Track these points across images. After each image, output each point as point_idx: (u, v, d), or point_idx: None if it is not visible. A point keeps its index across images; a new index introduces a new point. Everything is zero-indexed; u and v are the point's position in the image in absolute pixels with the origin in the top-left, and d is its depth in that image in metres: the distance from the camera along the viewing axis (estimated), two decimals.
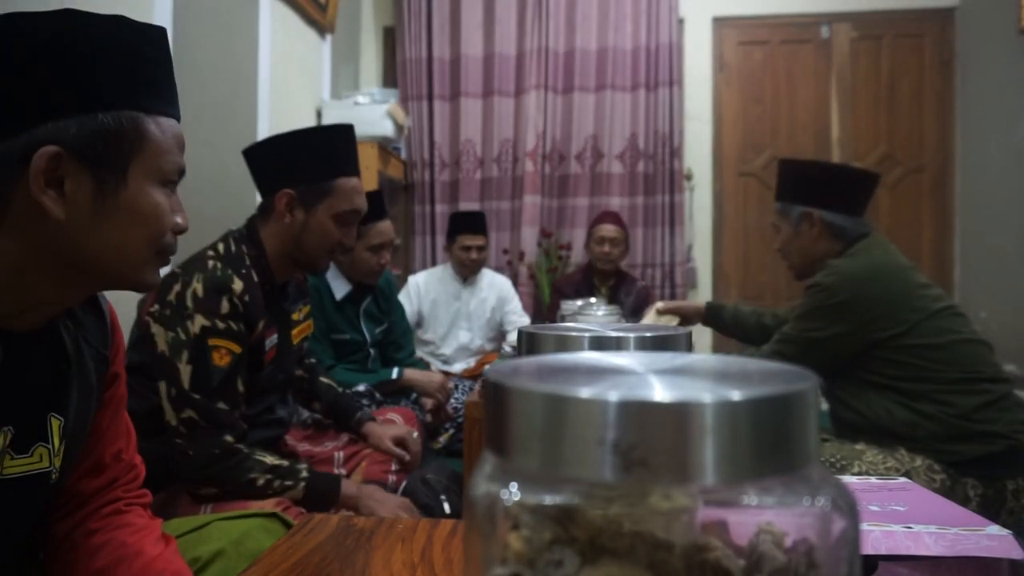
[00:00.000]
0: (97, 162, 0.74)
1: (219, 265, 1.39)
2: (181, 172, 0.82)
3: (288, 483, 1.37)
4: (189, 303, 1.34)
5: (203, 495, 1.35)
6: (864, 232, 1.79)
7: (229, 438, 1.33)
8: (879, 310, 1.66)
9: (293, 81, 3.23)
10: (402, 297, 2.99)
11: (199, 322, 1.33)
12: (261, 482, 1.35)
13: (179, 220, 0.83)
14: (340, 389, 1.91)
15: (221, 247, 1.44)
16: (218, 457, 1.32)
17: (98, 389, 0.87)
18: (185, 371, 1.32)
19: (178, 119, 0.83)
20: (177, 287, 1.36)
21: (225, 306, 1.35)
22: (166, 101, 0.81)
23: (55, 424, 0.80)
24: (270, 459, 1.38)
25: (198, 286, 1.35)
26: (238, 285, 1.37)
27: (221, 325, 1.34)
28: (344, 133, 1.53)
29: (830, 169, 1.96)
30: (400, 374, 2.43)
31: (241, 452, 1.35)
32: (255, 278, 1.43)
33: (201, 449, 1.31)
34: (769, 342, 1.87)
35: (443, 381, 2.49)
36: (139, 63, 0.77)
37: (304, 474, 1.39)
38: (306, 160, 1.48)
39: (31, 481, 0.78)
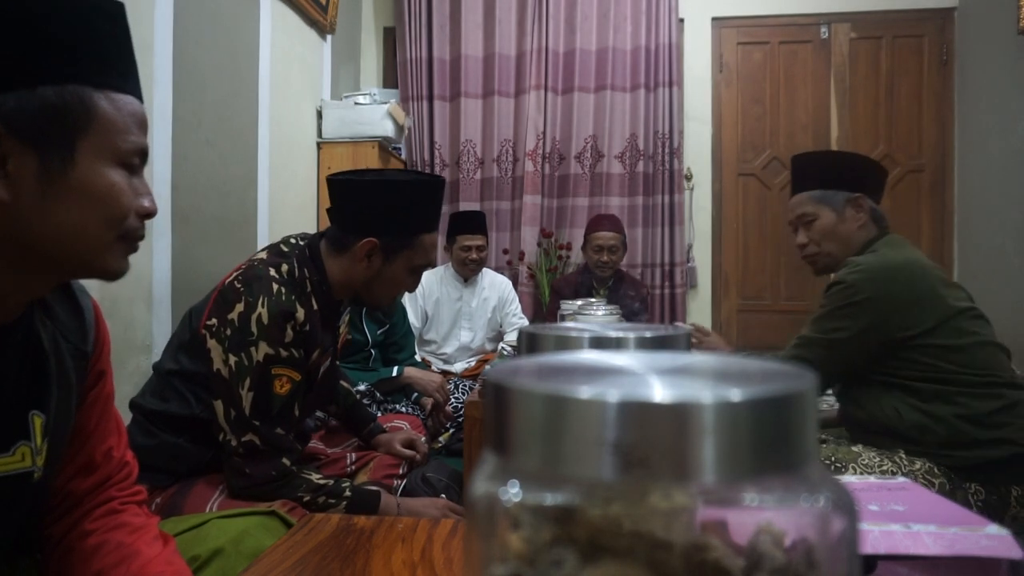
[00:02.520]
0: (41, 139, 0.69)
1: (283, 290, 1.37)
2: (142, 152, 0.77)
3: (332, 501, 1.39)
4: (254, 328, 1.33)
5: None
6: (887, 224, 1.79)
7: (286, 461, 1.36)
8: (903, 308, 1.61)
9: (293, 81, 3.23)
10: (406, 298, 2.99)
11: (263, 350, 1.33)
12: (307, 499, 1.37)
13: (145, 203, 0.78)
14: (356, 395, 1.93)
15: (285, 268, 1.41)
16: (275, 478, 1.35)
17: (78, 386, 0.84)
18: (247, 398, 1.33)
19: (138, 97, 0.78)
20: (240, 307, 1.34)
21: (289, 334, 1.35)
22: (120, 76, 0.75)
23: (37, 422, 0.78)
24: (316, 477, 1.40)
25: (263, 311, 1.33)
26: (300, 314, 1.37)
27: (284, 353, 1.35)
28: (437, 188, 1.51)
29: (867, 160, 1.90)
30: (400, 372, 2.43)
31: (294, 472, 1.37)
32: (315, 306, 1.42)
33: (259, 469, 1.34)
34: (787, 347, 1.77)
35: (442, 382, 2.50)
36: (87, 36, 0.72)
37: (347, 493, 1.41)
38: (397, 213, 1.45)
39: (13, 481, 0.76)
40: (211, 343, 1.35)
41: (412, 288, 1.54)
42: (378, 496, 1.46)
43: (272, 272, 1.39)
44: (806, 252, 1.84)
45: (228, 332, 1.34)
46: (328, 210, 1.50)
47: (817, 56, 4.15)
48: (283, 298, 1.36)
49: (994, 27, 3.56)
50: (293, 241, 1.49)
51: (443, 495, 1.76)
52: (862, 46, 4.12)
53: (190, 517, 1.17)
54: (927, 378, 1.60)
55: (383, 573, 0.79)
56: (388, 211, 1.44)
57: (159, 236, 2.18)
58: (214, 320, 1.36)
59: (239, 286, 1.37)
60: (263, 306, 1.33)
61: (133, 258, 0.80)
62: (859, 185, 1.77)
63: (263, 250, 1.50)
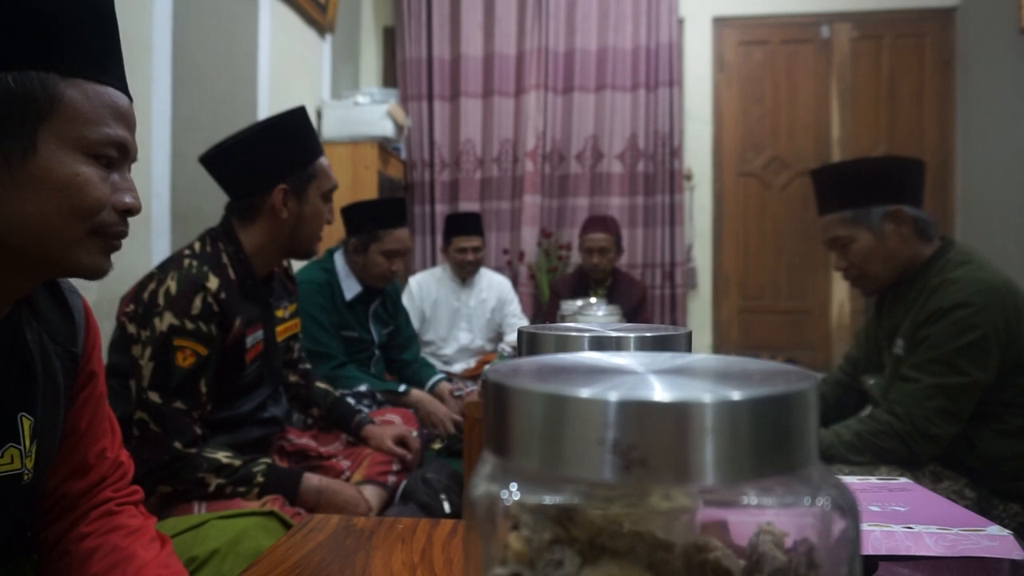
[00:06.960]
0: None
1: (195, 263, 1.39)
2: (118, 145, 0.74)
3: (241, 489, 1.36)
4: (161, 300, 1.34)
5: (162, 492, 1.34)
6: (937, 229, 1.59)
7: (178, 444, 1.32)
8: (1017, 328, 1.44)
9: (293, 81, 3.23)
10: (404, 299, 2.99)
11: (167, 320, 1.33)
12: (212, 487, 1.33)
13: (126, 199, 0.75)
14: (337, 393, 1.90)
15: (197, 246, 1.45)
16: (167, 463, 1.31)
17: (66, 388, 0.83)
18: (147, 368, 1.32)
19: (121, 90, 0.75)
20: (152, 285, 1.36)
21: (197, 305, 1.35)
22: (97, 66, 0.72)
23: (26, 424, 0.76)
24: (223, 457, 1.36)
25: (172, 283, 1.35)
26: (213, 283, 1.37)
27: (190, 325, 1.34)
28: (302, 115, 1.54)
29: (898, 162, 1.67)
30: (408, 391, 2.40)
31: (191, 455, 1.33)
32: (232, 275, 1.43)
33: (151, 454, 1.30)
34: (904, 398, 1.48)
35: (446, 415, 2.42)
36: (59, 23, 0.69)
37: (259, 479, 1.37)
38: (287, 151, 1.49)
39: (2, 483, 0.74)
40: (131, 327, 1.35)
41: (331, 217, 1.60)
42: (299, 480, 1.44)
43: (185, 251, 1.44)
44: (848, 276, 1.64)
45: (140, 310, 1.35)
46: (224, 187, 1.52)
47: (818, 56, 4.15)
48: (194, 270, 1.38)
49: (995, 27, 3.56)
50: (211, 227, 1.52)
51: (443, 495, 1.75)
52: (863, 46, 4.12)
53: (188, 518, 1.17)
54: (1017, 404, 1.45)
55: (383, 574, 0.78)
56: (281, 154, 1.48)
57: (159, 236, 2.18)
58: (132, 305, 1.37)
59: (155, 270, 1.41)
60: (172, 279, 1.36)
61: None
62: (894, 195, 1.55)
63: None
